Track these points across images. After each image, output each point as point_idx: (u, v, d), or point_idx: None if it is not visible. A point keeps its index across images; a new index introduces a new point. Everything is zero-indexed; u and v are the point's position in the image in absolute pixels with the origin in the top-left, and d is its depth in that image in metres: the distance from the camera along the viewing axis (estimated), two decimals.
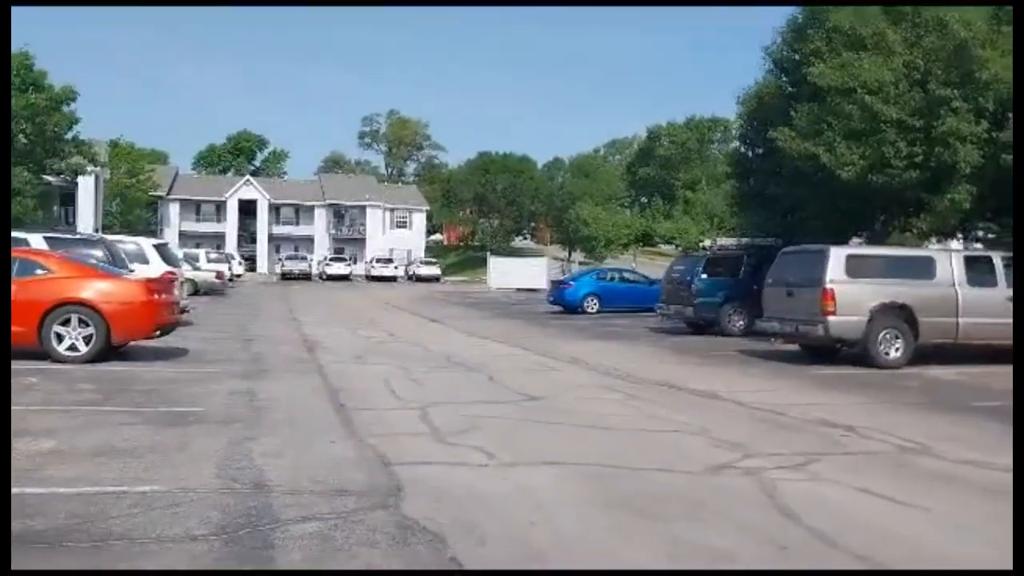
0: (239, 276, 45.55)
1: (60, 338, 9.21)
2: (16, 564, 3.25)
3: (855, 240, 18.23)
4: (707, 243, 18.64)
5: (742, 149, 20.58)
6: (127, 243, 15.07)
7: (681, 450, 6.20)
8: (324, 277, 52.15)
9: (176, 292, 10.94)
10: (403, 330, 17.30)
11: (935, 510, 4.66)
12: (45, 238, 12.55)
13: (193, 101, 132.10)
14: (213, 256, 38.59)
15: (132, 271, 13.07)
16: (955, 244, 22.42)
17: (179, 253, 36.81)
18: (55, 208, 39.79)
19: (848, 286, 12.05)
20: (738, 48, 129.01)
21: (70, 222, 37.20)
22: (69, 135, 25.84)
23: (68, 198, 39.21)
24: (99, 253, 12.05)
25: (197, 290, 29.05)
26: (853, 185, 14.82)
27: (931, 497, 4.94)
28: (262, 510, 4.15)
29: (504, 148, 78.07)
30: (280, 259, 54.36)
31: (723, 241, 18.54)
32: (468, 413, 7.38)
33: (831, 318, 11.95)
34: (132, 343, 10.43)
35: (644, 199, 51.78)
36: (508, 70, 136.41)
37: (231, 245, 57.25)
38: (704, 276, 17.54)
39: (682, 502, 4.73)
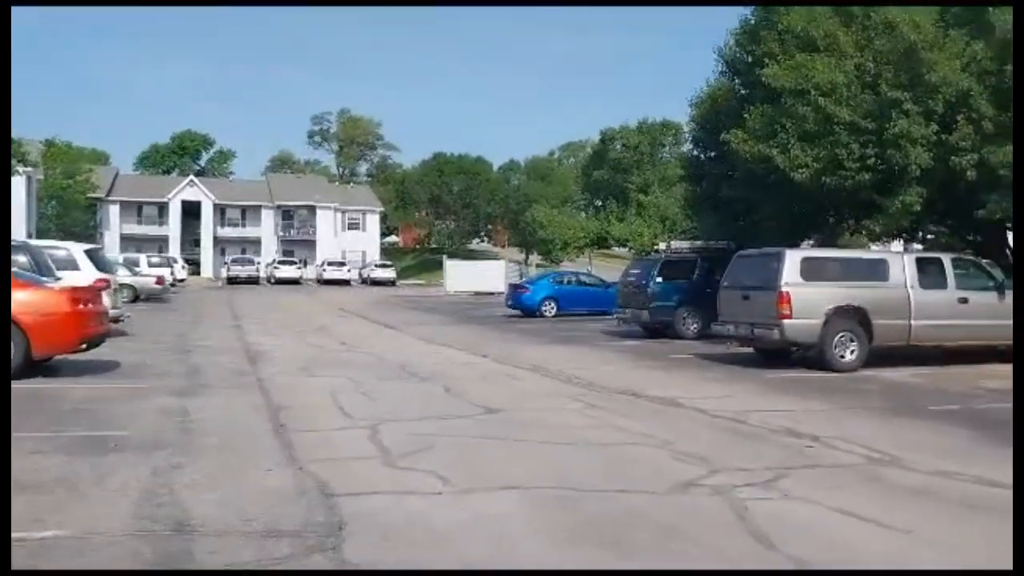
0: (182, 281, 44.13)
1: None
2: None
3: (807, 242, 18.33)
4: (661, 246, 18.47)
5: (695, 152, 20.52)
6: (56, 248, 14.18)
7: (646, 466, 5.88)
8: (273, 281, 50.83)
9: (105, 301, 10.21)
10: (356, 338, 16.72)
11: (917, 531, 4.41)
12: None
13: (135, 100, 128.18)
14: (155, 260, 37.35)
15: (59, 279, 12.26)
16: (895, 246, 22.84)
17: (119, 257, 35.63)
18: None
19: (803, 289, 11.96)
20: (691, 49, 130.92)
21: None
22: None
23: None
24: (22, 259, 11.22)
25: (137, 296, 27.93)
26: (807, 187, 14.80)
27: (909, 515, 4.70)
28: (180, 557, 3.67)
29: (459, 149, 77.52)
30: (226, 262, 52.80)
31: (677, 244, 18.41)
32: (422, 431, 6.95)
33: (786, 321, 11.84)
34: (58, 357, 9.71)
35: (599, 202, 51.81)
36: (462, 69, 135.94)
37: (175, 248, 55.46)
38: (659, 280, 17.39)
39: (651, 528, 4.39)
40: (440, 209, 72.86)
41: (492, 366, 12.14)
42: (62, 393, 8.23)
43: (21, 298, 8.69)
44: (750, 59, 17.22)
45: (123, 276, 28.46)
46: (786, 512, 4.74)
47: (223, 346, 14.14)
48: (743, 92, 18.11)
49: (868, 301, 12.03)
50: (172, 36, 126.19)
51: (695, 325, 17.21)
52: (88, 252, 14.58)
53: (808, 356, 12.20)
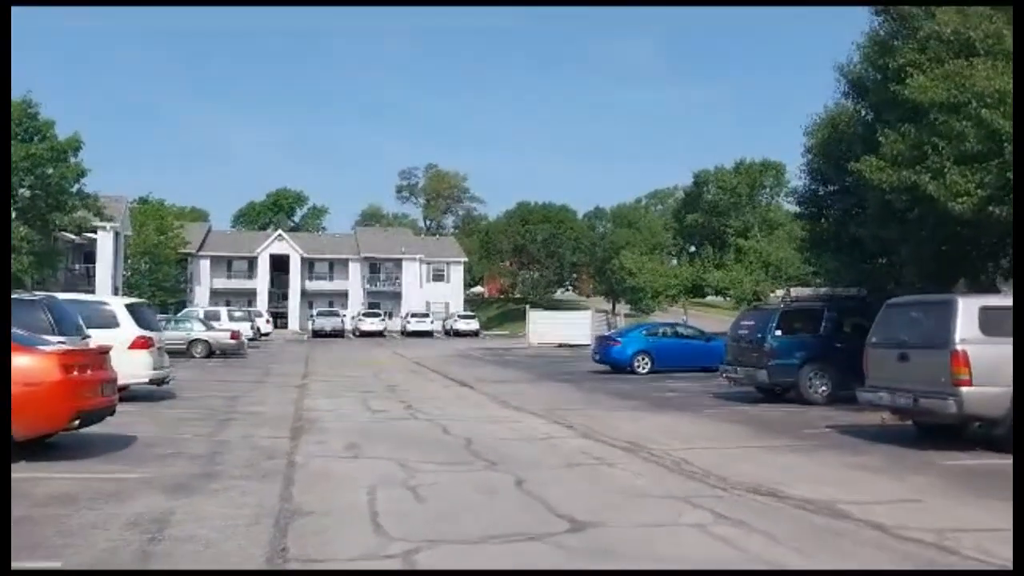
0: (267, 335, 43.82)
1: None
2: None
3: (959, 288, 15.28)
4: (778, 293, 15.77)
5: (812, 186, 17.83)
6: (94, 303, 12.92)
7: None
8: (358, 333, 50.11)
9: (109, 367, 8.57)
10: (424, 400, 14.73)
11: None
12: None
13: (233, 160, 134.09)
14: (236, 314, 36.90)
15: (87, 337, 10.85)
16: None
17: (199, 312, 35.36)
18: (76, 266, 38.79)
19: (984, 347, 9.18)
20: (786, 96, 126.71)
21: (90, 280, 36.00)
22: (75, 188, 24.24)
23: (91, 256, 38.13)
24: (41, 316, 9.83)
25: (212, 352, 27.19)
26: (966, 220, 11.98)
27: None
28: None
29: (543, 198, 76.16)
30: (312, 316, 52.57)
31: (797, 291, 15.67)
32: (479, 564, 4.75)
33: (965, 389, 9.08)
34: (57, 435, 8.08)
35: (692, 248, 48.70)
36: (546, 120, 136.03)
37: (262, 302, 55.78)
38: (778, 333, 14.69)
39: None
40: (524, 258, 71.33)
41: (578, 443, 9.82)
42: (28, 487, 6.46)
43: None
44: (880, 76, 14.63)
45: (197, 332, 27.97)
46: None
47: (272, 413, 12.39)
48: (869, 116, 15.51)
49: None
50: (269, 98, 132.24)
51: (823, 388, 14.43)
52: (130, 307, 13.23)
53: (994, 435, 9.32)
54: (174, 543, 5.16)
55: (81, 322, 10.45)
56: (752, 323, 15.45)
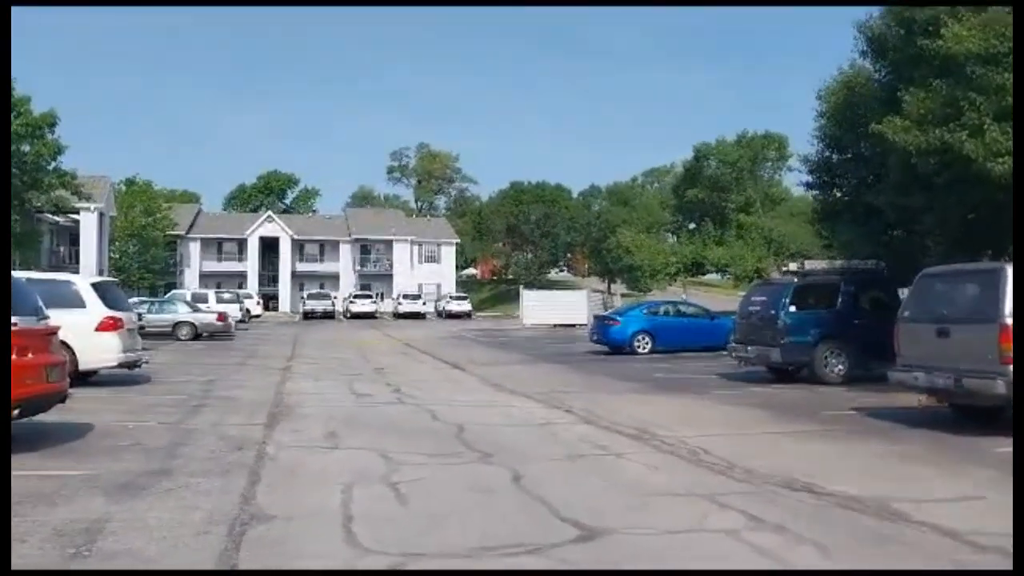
0: (257, 316, 42.80)
1: None
2: None
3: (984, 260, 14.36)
4: (792, 267, 14.80)
5: (825, 153, 16.81)
6: (56, 281, 11.88)
7: None
8: (348, 315, 49.12)
9: (57, 350, 7.59)
10: (413, 383, 13.79)
11: None
12: None
13: (224, 143, 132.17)
14: (225, 296, 35.87)
15: (46, 318, 9.81)
16: None
17: (186, 294, 34.30)
18: (61, 248, 37.58)
19: None
20: (785, 76, 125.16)
21: (74, 262, 34.84)
22: (52, 166, 22.99)
23: (76, 238, 36.92)
24: None
25: (198, 334, 26.22)
26: (1004, 183, 11.01)
27: None
28: None
29: (537, 178, 74.77)
30: (303, 297, 51.52)
31: (811, 264, 14.71)
32: None
33: (1014, 368, 8.16)
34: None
35: (692, 224, 47.48)
36: (538, 99, 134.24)
37: (253, 284, 54.65)
38: (792, 309, 13.74)
39: None
40: (517, 239, 70.18)
41: (580, 431, 8.89)
42: None
43: None
44: (903, 31, 13.61)
45: (183, 314, 26.94)
46: None
47: (250, 398, 11.42)
48: (891, 75, 14.49)
49: None
50: (260, 80, 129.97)
51: (840, 367, 13.54)
52: (97, 285, 12.18)
53: None
54: (101, 559, 4.22)
55: (40, 303, 9.41)
56: (764, 299, 14.50)
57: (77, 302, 11.73)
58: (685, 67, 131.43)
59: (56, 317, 9.65)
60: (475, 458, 7.19)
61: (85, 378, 11.79)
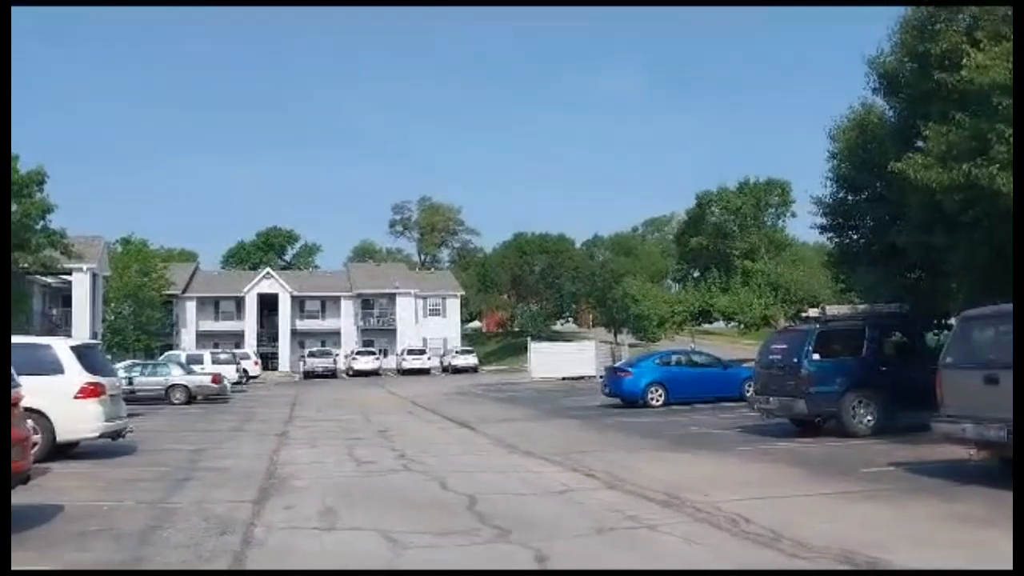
0: (255, 377, 41.90)
1: None
2: None
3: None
4: (813, 312, 14.12)
5: (839, 194, 16.29)
6: (32, 345, 11.16)
7: None
8: (351, 373, 48.19)
9: (19, 425, 6.86)
10: (420, 446, 12.97)
11: None
12: None
13: (223, 200, 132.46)
14: (221, 357, 35.11)
15: (17, 386, 9.09)
16: None
17: (181, 355, 33.55)
18: (54, 311, 36.99)
19: None
20: (784, 116, 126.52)
21: (67, 325, 34.21)
22: (40, 225, 22.56)
23: (69, 300, 36.35)
24: None
25: (192, 397, 25.39)
26: None
27: None
28: None
29: (540, 229, 74.69)
30: (303, 356, 50.63)
31: (833, 309, 14.02)
32: None
33: None
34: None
35: (696, 272, 46.92)
36: (539, 150, 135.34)
37: (251, 343, 53.68)
38: (816, 356, 13.01)
39: None
40: (522, 290, 69.71)
41: (605, 498, 8.08)
42: None
43: None
44: (916, 65, 13.21)
45: (176, 376, 26.15)
46: None
47: (240, 469, 10.61)
48: (905, 111, 14.05)
49: None
50: (258, 136, 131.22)
51: (869, 418, 12.75)
52: (77, 349, 11.47)
53: None
54: None
55: (12, 370, 8.73)
56: (785, 346, 13.76)
57: (56, 367, 11.01)
58: (683, 109, 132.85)
59: (32, 384, 8.96)
60: (491, 536, 6.40)
61: (65, 450, 11.02)
